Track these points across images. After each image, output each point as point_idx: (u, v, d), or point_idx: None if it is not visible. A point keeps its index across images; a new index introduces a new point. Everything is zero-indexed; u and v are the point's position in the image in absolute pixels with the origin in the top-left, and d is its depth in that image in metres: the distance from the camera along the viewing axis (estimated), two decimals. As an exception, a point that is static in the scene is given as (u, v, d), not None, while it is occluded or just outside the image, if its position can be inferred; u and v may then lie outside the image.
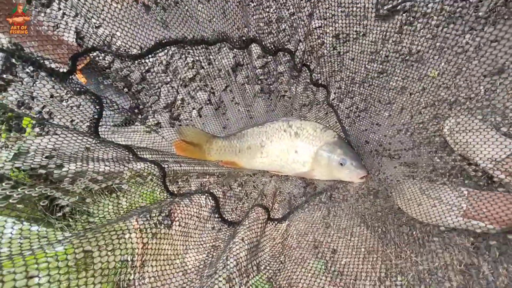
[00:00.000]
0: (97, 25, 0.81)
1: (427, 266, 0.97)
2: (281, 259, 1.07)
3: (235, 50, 0.98)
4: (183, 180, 0.97)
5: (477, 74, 0.97)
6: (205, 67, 1.37)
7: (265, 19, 1.37)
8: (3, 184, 0.53)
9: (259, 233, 1.03)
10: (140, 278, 0.94)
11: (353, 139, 1.20)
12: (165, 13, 0.87)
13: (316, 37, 1.33)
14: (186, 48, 0.92)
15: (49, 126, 0.97)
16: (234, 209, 1.18)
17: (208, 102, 1.38)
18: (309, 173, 1.10)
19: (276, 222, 1.06)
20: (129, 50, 0.83)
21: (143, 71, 1.40)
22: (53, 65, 0.67)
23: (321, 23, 1.33)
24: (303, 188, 1.23)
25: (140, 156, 0.77)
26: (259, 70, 1.36)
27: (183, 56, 1.40)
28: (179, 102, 1.39)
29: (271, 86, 1.36)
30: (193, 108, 1.38)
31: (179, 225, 1.09)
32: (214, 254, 0.95)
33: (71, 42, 1.11)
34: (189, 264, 0.88)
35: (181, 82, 1.40)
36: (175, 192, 0.84)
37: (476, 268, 0.94)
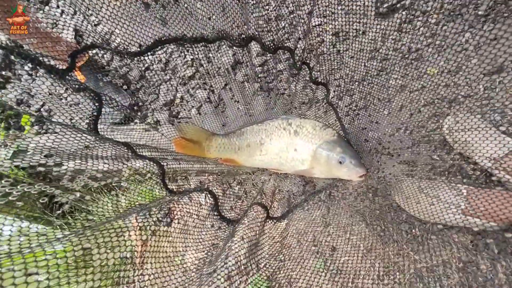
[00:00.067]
0: (96, 23, 0.81)
1: (426, 263, 0.98)
2: (280, 258, 1.07)
3: (234, 48, 0.98)
4: (182, 178, 0.97)
5: (476, 73, 0.97)
6: (204, 65, 1.36)
7: (264, 17, 1.36)
8: (2, 181, 0.53)
9: (258, 232, 1.03)
10: (140, 276, 0.94)
11: (352, 137, 1.20)
12: (165, 11, 0.86)
13: (315, 35, 1.33)
14: (185, 45, 0.92)
15: (48, 123, 0.97)
16: (233, 207, 1.18)
17: (207, 100, 1.38)
18: (308, 171, 1.10)
19: (275, 221, 1.06)
20: (128, 48, 0.83)
21: (142, 68, 1.40)
22: (52, 62, 0.67)
23: (321, 21, 1.33)
24: (303, 186, 1.23)
25: (139, 153, 0.77)
26: (258, 68, 1.36)
27: (182, 54, 1.40)
28: (179, 100, 1.39)
29: (270, 84, 1.36)
30: (192, 106, 1.38)
31: (179, 223, 1.09)
32: (214, 252, 0.95)
33: (70, 40, 1.11)
34: (188, 262, 0.88)
35: (180, 80, 1.40)
36: (175, 190, 0.84)
37: (475, 266, 0.94)
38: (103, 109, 0.74)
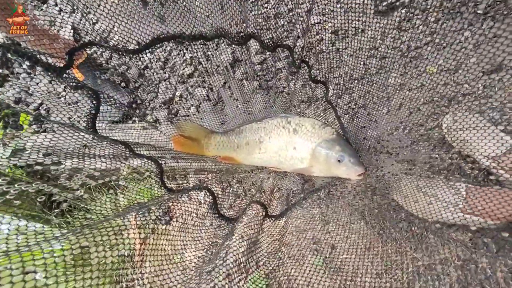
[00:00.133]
0: (94, 21, 0.80)
1: (425, 261, 0.98)
2: (280, 255, 1.07)
3: (233, 46, 0.98)
4: (181, 176, 0.97)
5: (475, 71, 0.97)
6: (203, 63, 1.36)
7: (263, 15, 1.36)
8: (0, 180, 0.52)
9: (257, 230, 1.03)
10: (139, 274, 0.94)
11: (351, 136, 1.20)
12: (163, 8, 0.86)
13: (314, 33, 1.32)
14: (184, 43, 0.91)
15: (46, 122, 0.97)
16: (232, 206, 1.18)
17: (206, 98, 1.37)
18: (307, 169, 1.10)
19: (273, 219, 1.06)
20: (126, 45, 0.82)
21: (141, 67, 1.40)
22: (49, 60, 0.66)
23: (320, 19, 1.32)
24: (302, 184, 1.23)
25: (137, 152, 0.76)
26: (257, 66, 1.36)
27: (181, 52, 1.40)
28: (178, 98, 1.39)
29: (269, 82, 1.36)
30: (192, 105, 1.38)
31: (178, 222, 1.09)
32: (213, 250, 0.95)
33: (67, 38, 1.10)
34: (188, 260, 0.88)
35: (179, 78, 1.39)
36: (174, 188, 0.84)
37: (474, 264, 0.94)
38: (101, 107, 0.73)
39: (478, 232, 0.94)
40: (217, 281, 0.96)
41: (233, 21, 0.93)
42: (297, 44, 1.28)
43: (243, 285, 1.03)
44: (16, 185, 0.51)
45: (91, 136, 0.71)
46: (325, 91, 1.19)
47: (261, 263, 1.05)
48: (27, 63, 0.63)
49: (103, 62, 1.34)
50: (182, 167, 0.94)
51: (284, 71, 1.33)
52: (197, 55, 1.35)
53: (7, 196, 0.51)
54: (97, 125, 0.74)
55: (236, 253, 0.98)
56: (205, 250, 0.92)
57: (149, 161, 0.77)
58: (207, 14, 0.91)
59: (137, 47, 0.83)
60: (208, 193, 0.85)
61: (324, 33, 1.32)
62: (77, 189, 0.63)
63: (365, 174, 1.03)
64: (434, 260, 0.97)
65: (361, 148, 1.18)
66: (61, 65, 0.70)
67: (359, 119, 1.22)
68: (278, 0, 1.36)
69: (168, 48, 1.39)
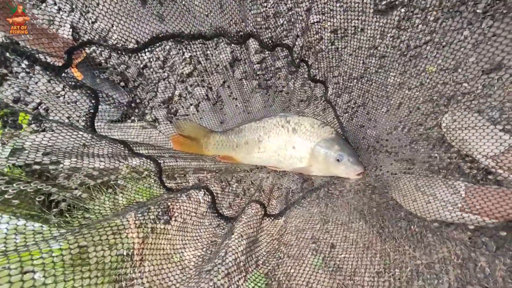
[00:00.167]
0: (93, 20, 0.80)
1: (425, 260, 0.98)
2: (279, 255, 1.07)
3: (232, 45, 0.98)
4: (180, 176, 0.96)
5: (475, 70, 0.97)
6: (202, 62, 1.36)
7: (262, 14, 1.36)
8: (-2, 179, 0.52)
9: (257, 229, 1.03)
10: (139, 273, 0.94)
11: (350, 135, 1.20)
12: (162, 7, 0.86)
13: (314, 32, 1.32)
14: (183, 42, 0.91)
15: (45, 122, 0.97)
16: (231, 205, 1.18)
17: (205, 97, 1.37)
18: (306, 169, 1.10)
19: (273, 218, 1.06)
20: (125, 44, 0.82)
21: (140, 66, 1.39)
22: (48, 59, 0.66)
23: (319, 18, 1.32)
24: (301, 183, 1.23)
25: (136, 151, 0.76)
26: (257, 65, 1.36)
27: (181, 51, 1.40)
28: (177, 97, 1.39)
29: (269, 82, 1.36)
30: (191, 104, 1.38)
31: (177, 221, 1.09)
32: (212, 249, 0.95)
33: (66, 37, 1.10)
34: (187, 260, 0.88)
35: (178, 77, 1.39)
36: (173, 187, 0.84)
37: (473, 262, 0.94)
38: (100, 107, 0.73)
39: (477, 231, 0.95)
40: (216, 280, 0.96)
41: (232, 20, 0.93)
42: (297, 43, 1.28)
43: (242, 284, 1.03)
44: (14, 185, 0.51)
45: (90, 135, 0.71)
46: (324, 91, 1.19)
47: (261, 262, 1.05)
48: (25, 62, 0.63)
49: (102, 61, 1.34)
50: (181, 167, 0.94)
51: (284, 70, 1.33)
52: (196, 54, 1.35)
53: (6, 196, 0.51)
54: (95, 124, 0.74)
55: (236, 252, 0.98)
56: (204, 249, 0.92)
57: (148, 160, 0.77)
58: (206, 13, 0.91)
59: (136, 46, 0.82)
60: (207, 193, 0.85)
61: (323, 32, 1.32)
62: (76, 189, 0.63)
63: (364, 173, 1.03)
64: (433, 259, 0.97)
65: (360, 148, 1.18)
66: (60, 64, 0.69)
67: (358, 118, 1.22)
68: (277, -1, 1.36)
69: (167, 47, 1.38)
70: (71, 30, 1.20)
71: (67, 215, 0.94)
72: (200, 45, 0.97)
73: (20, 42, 0.74)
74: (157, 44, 0.85)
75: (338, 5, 1.12)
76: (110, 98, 0.82)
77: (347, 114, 1.26)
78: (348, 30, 1.23)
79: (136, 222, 0.77)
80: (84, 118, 0.71)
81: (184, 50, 1.39)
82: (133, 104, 1.33)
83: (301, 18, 1.32)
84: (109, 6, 0.75)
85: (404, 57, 1.22)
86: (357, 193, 1.10)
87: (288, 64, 1.28)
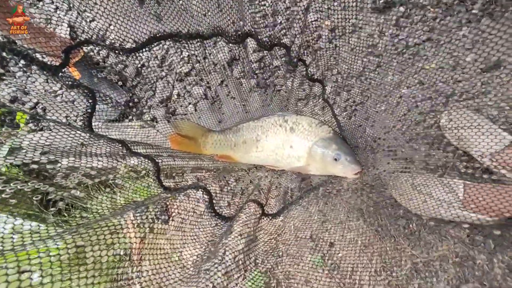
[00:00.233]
0: (90, 19, 0.80)
1: (423, 258, 0.98)
2: (278, 253, 1.07)
3: (230, 44, 0.98)
4: (178, 175, 0.97)
5: (474, 67, 0.97)
6: (200, 61, 1.36)
7: (260, 13, 1.35)
8: (-5, 179, 0.52)
9: (255, 228, 1.03)
10: (138, 272, 0.94)
11: (348, 134, 1.20)
12: (159, 7, 0.86)
13: (312, 30, 1.32)
14: (181, 42, 0.91)
15: (43, 121, 0.97)
16: (230, 204, 1.19)
17: (204, 96, 1.37)
18: (304, 168, 1.10)
19: (270, 217, 1.06)
20: (123, 44, 0.82)
21: (138, 65, 1.39)
22: (45, 59, 0.66)
23: (317, 17, 1.32)
24: (299, 182, 1.23)
25: (134, 150, 0.76)
26: (255, 64, 1.36)
27: (179, 50, 1.39)
28: (175, 96, 1.39)
29: (267, 81, 1.36)
30: (189, 103, 1.38)
31: (176, 220, 1.09)
32: (211, 248, 0.95)
33: (64, 36, 1.10)
34: (186, 258, 0.88)
35: (177, 76, 1.39)
36: (171, 187, 0.84)
37: (472, 260, 0.95)
38: (97, 106, 0.73)
39: (475, 228, 0.95)
40: (215, 279, 0.96)
41: (230, 19, 0.93)
42: (295, 42, 1.28)
43: (241, 283, 1.03)
44: (12, 184, 0.51)
45: (87, 134, 0.71)
46: (322, 90, 1.19)
47: (260, 261, 1.06)
48: (22, 61, 0.63)
49: (100, 60, 1.34)
50: (179, 166, 0.94)
51: (282, 69, 1.33)
52: (194, 53, 1.35)
53: (3, 195, 0.51)
54: (93, 124, 0.74)
55: (234, 251, 0.98)
56: (203, 248, 0.93)
57: (146, 160, 0.77)
58: (204, 13, 0.91)
59: (133, 45, 0.82)
60: (204, 192, 0.86)
61: (321, 31, 1.32)
62: (73, 188, 0.63)
63: (361, 172, 1.03)
64: (431, 257, 0.98)
65: (358, 147, 1.18)
66: (57, 63, 0.69)
67: (357, 117, 1.22)
68: (275, -2, 1.35)
69: (166, 46, 1.38)
70: (68, 29, 1.20)
71: (65, 215, 0.94)
72: (198, 44, 0.97)
73: (17, 41, 0.74)
74: (155, 44, 0.85)
75: (336, 3, 1.12)
76: (108, 98, 0.82)
77: (346, 113, 1.26)
78: (347, 28, 1.23)
79: (134, 221, 0.77)
80: (82, 118, 0.71)
81: (182, 49, 1.39)
82: (130, 104, 1.32)
83: (299, 16, 1.32)
84: (106, 5, 0.75)
85: (403, 55, 1.22)
86: (355, 192, 1.10)
87: (286, 63, 1.28)
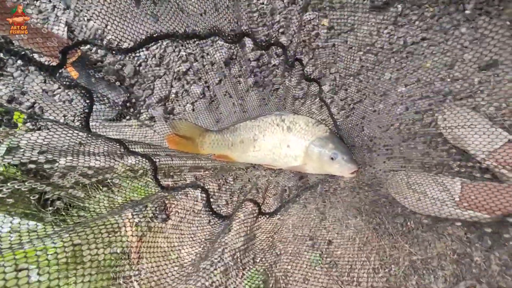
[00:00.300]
0: (87, 19, 0.80)
1: (421, 256, 0.99)
2: (276, 252, 1.08)
3: (226, 44, 0.98)
4: (176, 174, 0.97)
5: (471, 66, 0.97)
6: (198, 60, 1.36)
7: (257, 12, 1.36)
8: (-7, 178, 0.53)
9: (254, 227, 1.04)
10: (137, 271, 0.95)
11: (345, 133, 1.20)
12: (155, 7, 0.86)
13: (310, 29, 1.32)
14: (178, 42, 0.91)
15: (40, 120, 0.97)
16: (228, 203, 1.19)
17: (201, 95, 1.38)
18: (301, 167, 1.10)
19: (267, 216, 1.07)
20: (119, 44, 0.82)
21: (136, 64, 1.40)
22: (42, 59, 0.67)
23: (315, 15, 1.32)
24: (297, 181, 1.24)
25: (131, 150, 0.77)
26: (253, 62, 1.36)
27: (177, 49, 1.40)
28: (173, 95, 1.39)
29: (264, 80, 1.36)
30: (187, 102, 1.38)
31: (174, 219, 1.10)
32: (210, 247, 0.96)
33: (61, 35, 1.10)
34: (185, 257, 0.89)
35: (175, 75, 1.39)
36: (170, 185, 0.84)
37: (469, 257, 0.95)
38: (94, 106, 0.74)
39: (473, 226, 0.95)
40: (214, 277, 0.97)
41: (226, 19, 0.93)
42: (292, 41, 1.28)
43: (240, 281, 1.04)
44: (9, 184, 0.51)
45: (85, 134, 0.71)
46: (318, 89, 1.19)
47: (258, 259, 1.06)
48: (19, 62, 0.63)
49: (98, 59, 1.34)
50: (177, 165, 0.94)
51: (279, 69, 1.34)
52: (192, 52, 1.35)
53: (0, 195, 0.52)
54: (90, 124, 0.74)
55: (233, 250, 0.99)
56: (201, 247, 0.93)
57: (143, 159, 0.77)
58: (200, 12, 0.92)
59: (130, 46, 0.83)
60: (201, 191, 0.86)
61: (319, 29, 1.32)
62: (71, 187, 0.63)
63: (358, 171, 1.04)
64: (429, 255, 0.98)
65: (355, 146, 1.18)
66: (55, 63, 0.70)
67: (354, 116, 1.22)
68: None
69: (163, 45, 1.39)
70: (66, 28, 1.21)
71: (64, 214, 0.95)
72: (195, 44, 0.97)
73: (14, 41, 0.74)
74: (152, 44, 0.85)
75: (334, 1, 1.12)
76: (105, 98, 0.82)
77: (343, 111, 1.26)
78: (345, 27, 1.23)
79: (132, 220, 0.77)
80: (79, 118, 0.72)
81: (180, 48, 1.39)
82: (128, 104, 1.33)
83: (296, 15, 1.32)
84: (102, 6, 0.75)
85: (401, 53, 1.22)
86: (352, 191, 1.10)
87: (283, 62, 1.28)
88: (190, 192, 0.94)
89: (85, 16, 0.77)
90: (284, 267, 1.05)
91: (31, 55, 0.65)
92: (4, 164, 0.77)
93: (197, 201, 1.04)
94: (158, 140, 1.15)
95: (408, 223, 1.04)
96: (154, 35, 0.86)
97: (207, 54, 1.33)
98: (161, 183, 0.80)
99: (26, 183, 0.53)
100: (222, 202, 1.19)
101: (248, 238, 1.05)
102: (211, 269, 1.03)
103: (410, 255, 1.00)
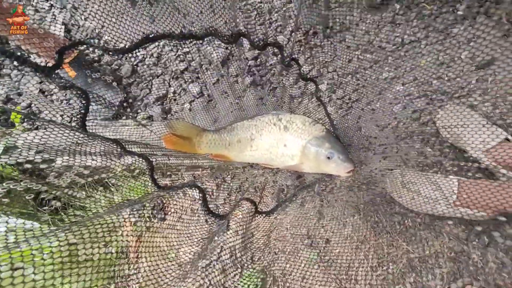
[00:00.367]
0: (83, 19, 0.81)
1: (418, 254, 0.99)
2: (274, 251, 1.08)
3: (223, 44, 0.98)
4: (173, 173, 0.98)
5: (468, 64, 0.97)
6: (196, 59, 1.36)
7: (253, 12, 1.36)
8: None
9: (252, 226, 1.04)
10: (135, 270, 0.95)
11: (341, 132, 1.20)
12: (151, 8, 0.86)
13: (306, 29, 1.32)
14: (174, 42, 0.92)
15: (37, 120, 0.97)
16: (226, 202, 1.19)
17: (199, 95, 1.38)
18: (298, 166, 1.11)
19: (264, 215, 1.07)
20: (116, 45, 0.83)
21: (134, 63, 1.40)
22: (38, 60, 0.67)
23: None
24: (295, 179, 1.24)
25: (128, 149, 0.77)
26: (251, 61, 1.36)
27: (174, 48, 1.40)
28: (171, 95, 1.40)
29: (262, 79, 1.36)
30: (185, 102, 1.38)
31: (173, 219, 1.10)
32: (208, 246, 0.96)
33: (58, 34, 1.10)
34: (183, 256, 0.89)
35: (173, 74, 1.40)
36: (168, 185, 0.85)
37: (466, 255, 0.95)
38: (90, 107, 0.74)
39: (470, 224, 0.96)
40: (212, 276, 0.97)
41: (223, 20, 0.93)
42: (289, 40, 1.28)
43: (238, 280, 1.04)
44: (4, 184, 0.52)
45: (82, 134, 0.72)
46: (315, 89, 1.19)
47: (256, 258, 1.07)
48: (15, 63, 0.64)
49: (95, 58, 1.35)
50: (174, 164, 0.95)
51: (277, 68, 1.34)
52: (190, 51, 1.35)
53: (-3, 195, 0.52)
54: (87, 124, 0.74)
55: (231, 249, 1.00)
56: (200, 246, 0.94)
57: (140, 159, 0.78)
58: (197, 13, 0.92)
59: (126, 46, 0.83)
60: (197, 190, 0.86)
61: (316, 28, 1.32)
62: (67, 187, 0.64)
63: (354, 170, 1.04)
64: (426, 253, 0.98)
65: (351, 145, 1.18)
66: (51, 64, 0.70)
67: (351, 115, 1.22)
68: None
69: (161, 44, 1.39)
70: (63, 27, 1.21)
71: (62, 213, 0.95)
72: (192, 44, 0.97)
73: (10, 42, 0.74)
74: (148, 44, 0.86)
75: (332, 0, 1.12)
76: (101, 99, 0.83)
77: (341, 110, 1.26)
78: (343, 25, 1.23)
79: (131, 220, 0.78)
80: (76, 118, 0.72)
81: (178, 47, 1.39)
82: (125, 104, 1.33)
83: (293, 14, 1.33)
84: (98, 6, 0.76)
85: (398, 52, 1.22)
86: (349, 190, 1.10)
87: (279, 62, 1.28)
88: (187, 191, 0.94)
89: (82, 16, 0.77)
90: (282, 265, 1.06)
91: (27, 56, 0.65)
92: (1, 164, 0.78)
93: (195, 200, 1.04)
94: (155, 140, 1.15)
95: (406, 221, 1.04)
96: (151, 36, 0.86)
97: (204, 54, 1.33)
98: (158, 182, 0.80)
99: (21, 183, 0.53)
100: (220, 201, 1.19)
101: (246, 237, 1.05)
102: (210, 268, 1.04)
103: (408, 253, 1.00)
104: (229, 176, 1.25)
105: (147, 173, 0.79)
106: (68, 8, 0.74)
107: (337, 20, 1.23)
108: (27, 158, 0.61)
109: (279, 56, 1.04)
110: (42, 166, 0.63)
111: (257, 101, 1.32)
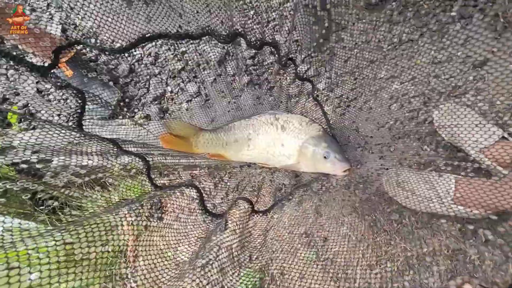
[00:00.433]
0: (79, 19, 0.81)
1: (415, 252, 0.99)
2: (272, 249, 1.08)
3: (220, 44, 0.98)
4: (170, 173, 0.97)
5: (466, 63, 0.97)
6: (194, 59, 1.36)
7: (250, 12, 1.36)
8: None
9: (249, 225, 1.04)
10: (133, 269, 0.95)
11: (338, 132, 1.20)
12: (148, 7, 0.86)
13: (304, 28, 1.32)
14: (170, 42, 0.92)
15: (34, 120, 0.97)
16: (222, 202, 1.20)
17: (196, 94, 1.38)
18: (294, 165, 1.11)
19: (262, 214, 1.07)
20: (112, 45, 0.82)
21: (131, 63, 1.40)
22: (34, 60, 0.67)
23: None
24: (291, 179, 1.24)
25: (124, 149, 0.77)
26: (249, 60, 1.36)
27: (171, 47, 1.40)
28: (169, 94, 1.39)
29: (259, 78, 1.36)
30: (182, 101, 1.38)
31: (170, 218, 1.10)
32: (206, 245, 0.96)
33: (54, 34, 1.10)
34: (181, 255, 0.90)
35: (170, 74, 1.40)
36: (166, 184, 0.85)
37: (463, 253, 0.96)
38: (86, 106, 0.74)
39: (467, 222, 0.96)
40: (210, 276, 0.97)
41: (219, 19, 0.94)
42: (286, 39, 1.28)
43: (236, 279, 1.05)
44: (0, 183, 0.52)
45: (78, 133, 0.72)
46: (311, 88, 1.20)
47: (254, 257, 1.07)
48: (10, 63, 0.63)
49: (92, 58, 1.34)
50: (171, 164, 0.95)
51: (274, 67, 1.34)
52: (187, 51, 1.35)
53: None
54: (83, 124, 0.74)
55: (229, 248, 1.00)
56: (197, 245, 0.94)
57: (136, 158, 0.78)
58: (193, 12, 0.92)
59: (122, 46, 0.83)
60: (194, 190, 0.87)
61: (314, 27, 1.32)
62: (63, 187, 0.64)
63: (350, 170, 1.04)
64: (424, 251, 0.99)
65: (347, 144, 1.19)
66: (47, 64, 0.70)
67: (347, 115, 1.23)
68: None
69: (158, 44, 1.39)
70: (59, 26, 1.20)
71: (60, 213, 0.95)
72: (189, 44, 0.97)
73: (6, 41, 0.74)
74: (144, 44, 0.86)
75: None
76: (97, 98, 0.83)
77: (339, 109, 1.26)
78: (341, 24, 1.23)
79: (128, 219, 0.78)
80: (72, 118, 0.72)
81: (175, 47, 1.39)
82: (121, 103, 1.33)
83: (290, 14, 1.32)
84: (94, 6, 0.76)
85: (396, 51, 1.22)
86: (346, 189, 1.11)
87: (276, 62, 1.28)
88: (185, 191, 0.94)
89: (78, 15, 0.77)
90: (280, 264, 1.06)
91: (22, 56, 0.65)
92: (-2, 164, 0.78)
93: (193, 199, 1.04)
94: (152, 139, 1.15)
95: (404, 220, 1.04)
96: (147, 35, 0.86)
97: (201, 54, 1.33)
98: (155, 182, 0.80)
99: (18, 183, 0.53)
100: (218, 201, 1.19)
101: (244, 236, 1.05)
102: (207, 267, 1.04)
103: (405, 251, 1.00)
104: (226, 176, 1.26)
105: (144, 172, 0.80)
106: (64, 7, 0.74)
107: (334, 19, 1.23)
108: (23, 158, 0.61)
109: (276, 55, 1.04)
110: (38, 166, 0.63)
111: (254, 101, 1.32)
